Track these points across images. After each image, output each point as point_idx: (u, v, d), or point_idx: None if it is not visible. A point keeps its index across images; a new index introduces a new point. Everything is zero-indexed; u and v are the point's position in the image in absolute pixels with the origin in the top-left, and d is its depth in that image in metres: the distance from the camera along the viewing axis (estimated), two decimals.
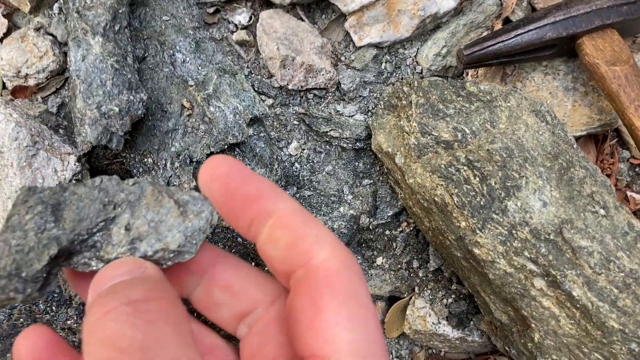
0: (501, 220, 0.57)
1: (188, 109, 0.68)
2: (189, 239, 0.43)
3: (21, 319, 0.68)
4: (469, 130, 0.61)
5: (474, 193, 0.58)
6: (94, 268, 0.42)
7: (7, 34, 0.78)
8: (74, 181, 0.64)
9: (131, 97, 0.64)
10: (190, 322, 0.36)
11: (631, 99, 0.66)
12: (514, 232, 0.57)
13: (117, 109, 0.63)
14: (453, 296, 0.71)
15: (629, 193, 0.75)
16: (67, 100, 0.75)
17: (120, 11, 0.68)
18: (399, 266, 0.73)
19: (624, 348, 0.55)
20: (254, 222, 0.39)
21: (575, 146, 0.62)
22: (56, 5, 0.76)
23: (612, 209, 0.58)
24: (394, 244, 0.73)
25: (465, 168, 0.59)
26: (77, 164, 0.65)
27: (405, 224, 0.73)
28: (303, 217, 0.38)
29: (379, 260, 0.73)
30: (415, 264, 0.73)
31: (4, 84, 0.76)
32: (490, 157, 0.59)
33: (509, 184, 0.58)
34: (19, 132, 0.64)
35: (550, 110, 0.63)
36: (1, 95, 0.76)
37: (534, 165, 0.58)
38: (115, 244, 0.41)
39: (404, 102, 0.65)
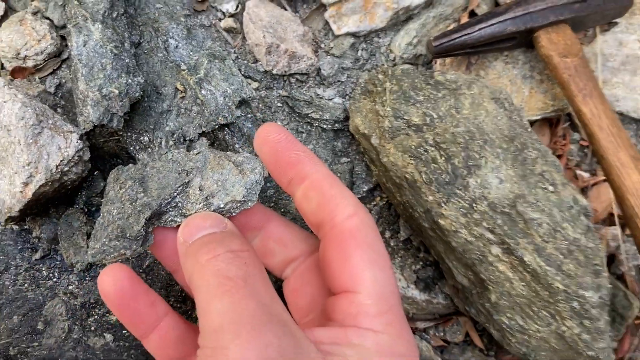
0: (463, 195, 0.65)
1: (181, 92, 0.74)
2: (250, 191, 0.55)
3: (25, 284, 0.74)
4: (436, 115, 0.68)
5: (440, 171, 0.66)
6: (179, 222, 0.54)
7: (4, 16, 0.82)
8: (76, 157, 0.70)
9: (129, 80, 0.70)
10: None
11: (579, 88, 0.74)
12: (474, 205, 0.65)
13: (117, 92, 0.69)
14: (421, 263, 0.79)
15: (577, 172, 0.84)
16: (64, 80, 0.80)
17: None
18: None
19: (567, 306, 0.64)
20: (293, 181, 0.51)
21: (529, 130, 0.70)
22: None
23: (560, 185, 0.66)
24: None
25: (432, 149, 0.67)
26: (79, 141, 0.70)
27: (378, 198, 0.81)
28: (332, 182, 0.50)
29: None
30: (388, 234, 0.80)
31: (2, 64, 0.81)
32: (455, 139, 0.66)
33: (470, 164, 0.65)
34: (25, 112, 0.69)
35: (509, 98, 0.71)
36: (0, 76, 0.81)
37: (493, 147, 0.66)
38: (193, 202, 0.54)
39: (379, 88, 0.72)
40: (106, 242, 0.54)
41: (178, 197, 0.55)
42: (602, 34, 0.84)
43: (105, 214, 0.56)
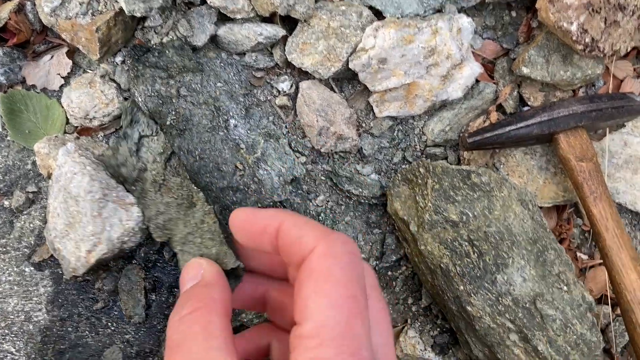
0: (491, 289, 0.75)
1: (240, 170, 0.81)
2: None
3: (86, 331, 0.81)
4: (471, 214, 0.78)
5: (472, 265, 0.76)
6: None
7: (70, 73, 0.88)
8: (136, 228, 0.77)
9: None
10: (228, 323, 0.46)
11: (591, 190, 0.84)
12: (499, 298, 0.75)
13: None
14: (438, 329, 0.89)
15: (578, 254, 0.95)
16: None
17: None
18: (397, 302, 0.90)
19: None
20: (273, 245, 0.49)
21: (548, 230, 0.80)
22: (119, 55, 0.86)
23: (572, 285, 0.77)
24: (394, 283, 0.90)
25: (466, 244, 0.76)
26: (139, 214, 0.77)
27: (404, 267, 0.91)
28: (295, 223, 0.48)
29: None
30: (410, 300, 0.90)
31: (67, 120, 0.87)
32: (487, 238, 0.76)
33: (499, 262, 0.75)
34: (92, 186, 0.76)
35: (533, 199, 0.81)
36: (65, 132, 0.87)
37: (519, 248, 0.76)
38: None
39: (420, 181, 0.81)
40: None
41: None
42: (611, 133, 0.94)
43: None
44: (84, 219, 0.76)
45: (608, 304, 0.92)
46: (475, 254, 0.76)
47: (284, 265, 0.55)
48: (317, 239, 0.43)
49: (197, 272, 0.51)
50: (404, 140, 0.92)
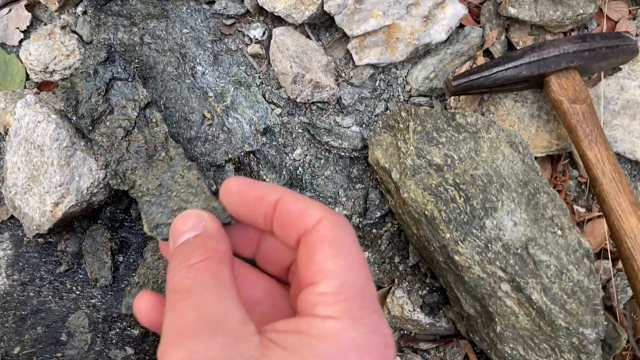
0: (479, 235, 0.69)
1: (209, 119, 0.76)
2: None
3: (49, 296, 0.76)
4: (457, 157, 0.72)
5: (458, 211, 0.70)
6: None
7: (30, 26, 0.83)
8: (106, 180, 0.72)
9: None
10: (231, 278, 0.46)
11: (586, 133, 0.79)
12: (489, 245, 0.69)
13: None
14: (427, 288, 0.84)
15: (575, 206, 0.89)
16: None
17: None
18: (383, 260, 0.85)
19: (566, 341, 0.70)
20: (267, 216, 0.51)
21: (540, 174, 0.75)
22: (80, 6, 0.81)
23: (567, 229, 0.71)
24: (379, 241, 0.85)
25: (452, 189, 0.71)
26: None
27: (390, 224, 0.85)
28: (295, 198, 0.50)
29: (366, 255, 0.84)
30: (397, 259, 0.85)
31: (27, 76, 0.82)
32: (474, 181, 0.71)
33: (487, 206, 0.70)
34: (59, 133, 0.71)
35: (523, 142, 0.76)
36: (25, 87, 0.82)
37: (509, 191, 0.71)
38: None
39: (402, 125, 0.76)
40: None
41: None
42: (606, 77, 0.89)
43: None
44: (49, 169, 0.71)
45: (608, 259, 0.86)
46: (462, 199, 0.70)
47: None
48: (323, 211, 0.47)
49: (197, 224, 0.50)
50: (386, 90, 0.87)
